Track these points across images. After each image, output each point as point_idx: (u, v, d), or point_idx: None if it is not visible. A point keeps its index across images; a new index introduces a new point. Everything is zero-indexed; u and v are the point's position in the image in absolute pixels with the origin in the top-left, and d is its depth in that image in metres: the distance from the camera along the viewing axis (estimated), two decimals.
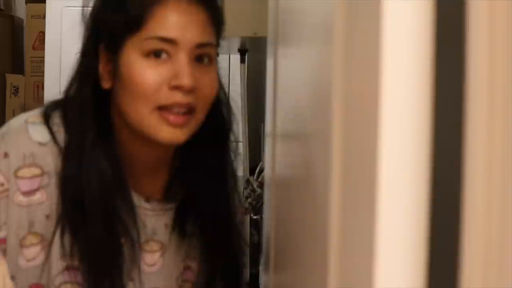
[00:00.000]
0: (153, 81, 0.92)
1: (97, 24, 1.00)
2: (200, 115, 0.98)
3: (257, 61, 2.25)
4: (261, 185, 1.88)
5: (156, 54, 0.94)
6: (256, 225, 2.40)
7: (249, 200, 1.94)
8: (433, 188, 0.45)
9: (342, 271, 0.55)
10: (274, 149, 1.06)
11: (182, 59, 0.93)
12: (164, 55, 0.94)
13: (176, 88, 0.93)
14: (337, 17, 0.56)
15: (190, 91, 0.93)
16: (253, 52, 2.08)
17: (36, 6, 2.67)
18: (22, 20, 2.87)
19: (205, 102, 0.98)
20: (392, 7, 0.44)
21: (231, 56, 2.40)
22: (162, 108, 0.94)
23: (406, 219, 0.45)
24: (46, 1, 2.50)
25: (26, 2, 2.79)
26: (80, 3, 2.19)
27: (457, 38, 0.44)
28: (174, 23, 0.93)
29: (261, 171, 1.92)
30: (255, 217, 2.05)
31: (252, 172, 2.12)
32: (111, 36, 0.97)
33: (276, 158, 1.03)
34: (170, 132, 0.94)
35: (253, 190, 1.93)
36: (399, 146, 0.45)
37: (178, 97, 0.94)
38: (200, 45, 0.97)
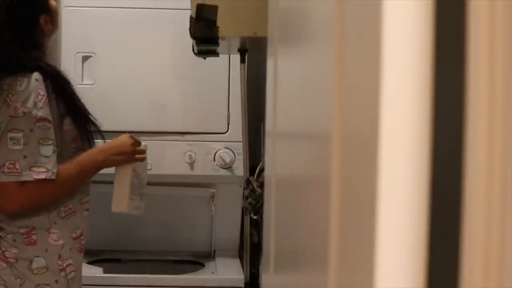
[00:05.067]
0: None
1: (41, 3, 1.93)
2: None
3: (257, 61, 2.25)
4: (261, 185, 1.88)
5: None
6: (256, 225, 2.40)
7: (249, 200, 1.94)
8: (433, 188, 0.45)
9: (342, 271, 0.55)
10: (274, 149, 1.06)
11: None
12: None
13: None
14: (337, 17, 0.56)
15: None
16: (253, 52, 2.08)
17: None
18: None
19: None
20: (392, 7, 0.44)
21: (231, 56, 2.40)
22: None
23: (406, 219, 0.45)
24: None
25: None
26: (80, 3, 2.25)
27: (457, 38, 0.44)
28: None
29: (261, 171, 1.92)
30: (255, 217, 2.05)
31: (252, 172, 2.12)
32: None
33: (276, 158, 1.03)
34: None
35: (253, 190, 1.93)
36: (399, 146, 0.45)
37: None
38: None
